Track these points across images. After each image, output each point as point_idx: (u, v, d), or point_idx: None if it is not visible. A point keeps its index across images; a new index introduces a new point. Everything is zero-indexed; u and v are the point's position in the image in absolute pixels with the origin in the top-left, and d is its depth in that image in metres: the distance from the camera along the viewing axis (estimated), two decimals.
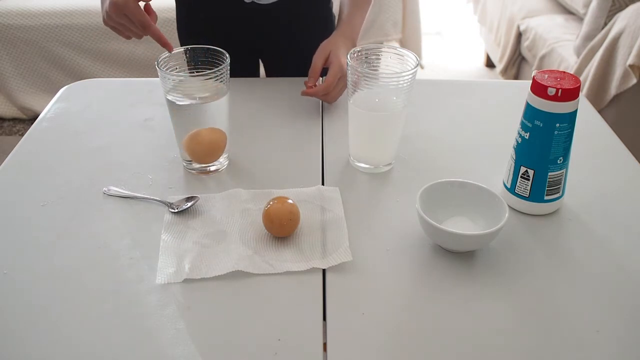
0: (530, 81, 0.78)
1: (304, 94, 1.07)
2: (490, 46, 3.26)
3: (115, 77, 2.65)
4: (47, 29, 2.62)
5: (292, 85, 1.18)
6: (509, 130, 0.88)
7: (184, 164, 0.93)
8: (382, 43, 2.92)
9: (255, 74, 1.35)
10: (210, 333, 0.66)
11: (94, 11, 2.63)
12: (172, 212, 0.83)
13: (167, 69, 0.86)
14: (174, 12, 1.28)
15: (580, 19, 2.59)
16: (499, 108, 1.12)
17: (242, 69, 1.26)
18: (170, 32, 1.19)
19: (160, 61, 0.85)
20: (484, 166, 0.94)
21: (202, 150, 0.90)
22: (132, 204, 0.85)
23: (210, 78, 0.85)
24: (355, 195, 0.88)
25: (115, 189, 0.87)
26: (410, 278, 0.74)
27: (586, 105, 1.13)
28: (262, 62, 1.34)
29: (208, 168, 0.92)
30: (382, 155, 0.93)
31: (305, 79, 1.06)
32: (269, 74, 1.35)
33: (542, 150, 0.79)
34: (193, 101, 0.87)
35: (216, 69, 0.84)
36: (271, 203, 0.78)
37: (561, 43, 2.48)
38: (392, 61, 0.90)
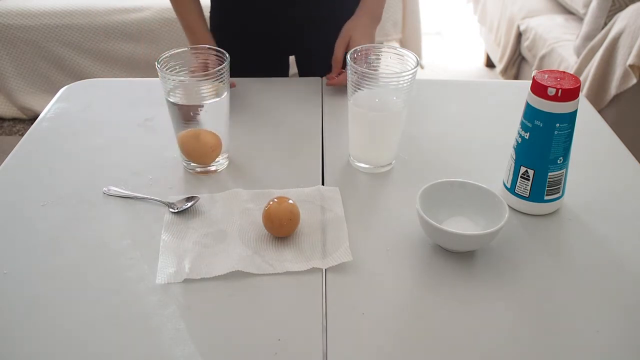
0: (530, 81, 0.78)
1: (328, 84, 1.11)
2: (490, 46, 3.26)
3: (115, 77, 2.65)
4: (47, 29, 2.62)
5: (292, 85, 1.18)
6: (509, 130, 0.88)
7: (184, 164, 0.93)
8: (382, 43, 2.92)
9: (285, 73, 1.34)
10: (210, 333, 0.66)
11: (94, 11, 2.63)
12: (172, 212, 0.83)
13: (167, 69, 0.86)
14: (207, 9, 1.28)
15: (580, 19, 2.59)
16: (499, 108, 1.12)
17: (272, 68, 1.27)
18: None
19: (161, 61, 0.85)
20: (484, 166, 0.94)
21: (193, 150, 0.90)
22: (132, 204, 0.85)
23: (210, 78, 0.85)
24: (355, 195, 0.88)
25: (115, 189, 0.87)
26: (410, 278, 0.74)
27: (586, 105, 1.13)
28: (296, 60, 1.34)
29: (208, 168, 0.92)
30: (382, 155, 0.93)
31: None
32: (301, 71, 1.34)
33: (542, 150, 0.79)
34: (193, 101, 0.86)
35: (216, 69, 0.85)
36: (271, 203, 0.78)
37: (561, 43, 2.49)
38: (392, 61, 0.90)
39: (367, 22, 1.10)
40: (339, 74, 1.11)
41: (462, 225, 0.78)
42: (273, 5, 1.18)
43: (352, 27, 1.08)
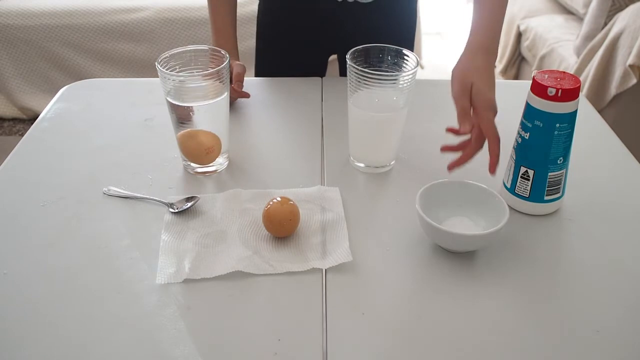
0: (530, 81, 0.78)
1: (454, 166, 0.85)
2: None
3: (115, 77, 2.65)
4: (47, 29, 2.62)
5: (292, 85, 1.18)
6: (509, 130, 0.88)
7: (184, 164, 0.93)
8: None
9: (323, 73, 1.33)
10: (210, 333, 0.66)
11: (94, 11, 2.63)
12: (172, 212, 0.83)
13: (167, 69, 0.86)
14: (255, 6, 1.28)
15: (580, 19, 2.59)
16: (499, 108, 1.12)
17: (311, 68, 1.27)
18: (248, 28, 1.19)
19: (161, 61, 0.85)
20: (484, 166, 0.94)
21: (188, 150, 0.90)
22: (132, 204, 0.85)
23: (210, 78, 0.85)
24: (355, 195, 0.88)
25: (115, 189, 0.87)
26: (410, 278, 0.74)
27: (586, 105, 1.13)
28: (338, 58, 1.33)
29: (208, 168, 0.92)
30: (382, 155, 0.93)
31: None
32: (342, 70, 1.33)
33: (542, 151, 0.79)
34: (193, 101, 0.86)
35: (216, 69, 0.85)
36: (271, 203, 0.78)
37: (561, 43, 2.49)
38: (392, 61, 0.90)
39: (484, 61, 0.87)
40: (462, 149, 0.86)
41: (462, 226, 0.78)
42: (320, 6, 1.17)
43: (468, 70, 0.86)
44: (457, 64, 0.88)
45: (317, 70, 1.30)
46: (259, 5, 1.28)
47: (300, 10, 1.21)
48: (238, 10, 1.20)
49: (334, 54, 1.34)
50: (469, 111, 0.84)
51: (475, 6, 0.94)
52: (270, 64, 1.29)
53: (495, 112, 0.83)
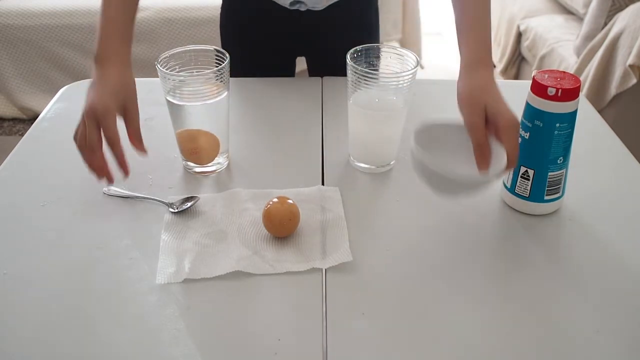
0: (530, 81, 0.78)
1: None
2: None
3: None
4: (47, 29, 2.62)
5: (292, 85, 1.18)
6: None
7: (184, 164, 0.93)
8: (382, 43, 2.92)
9: (292, 73, 1.33)
10: (210, 333, 0.66)
11: (94, 11, 2.63)
12: (172, 212, 0.83)
13: (167, 69, 0.86)
14: (218, 11, 1.27)
15: (580, 19, 2.59)
16: None
17: (280, 69, 1.26)
18: (214, 32, 1.16)
19: (161, 61, 0.85)
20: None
21: (184, 149, 0.90)
22: (132, 204, 0.85)
23: (210, 78, 0.85)
24: (355, 195, 0.88)
25: (115, 189, 0.87)
26: (411, 278, 0.74)
27: (586, 105, 1.13)
28: (307, 60, 1.32)
29: (207, 168, 0.92)
30: (382, 155, 0.93)
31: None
32: (312, 73, 1.32)
33: (542, 150, 0.79)
34: (193, 101, 0.86)
35: (216, 69, 0.85)
36: (271, 203, 0.78)
37: (561, 43, 2.48)
38: (392, 61, 0.90)
39: (488, 77, 0.80)
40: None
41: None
42: (284, 7, 1.17)
43: (476, 91, 0.78)
44: (462, 87, 0.80)
45: (285, 71, 1.28)
46: (221, 6, 1.26)
47: (252, 10, 1.19)
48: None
49: (299, 55, 1.32)
50: (486, 138, 0.76)
51: (459, 15, 0.86)
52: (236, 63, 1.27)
53: (517, 128, 0.76)
